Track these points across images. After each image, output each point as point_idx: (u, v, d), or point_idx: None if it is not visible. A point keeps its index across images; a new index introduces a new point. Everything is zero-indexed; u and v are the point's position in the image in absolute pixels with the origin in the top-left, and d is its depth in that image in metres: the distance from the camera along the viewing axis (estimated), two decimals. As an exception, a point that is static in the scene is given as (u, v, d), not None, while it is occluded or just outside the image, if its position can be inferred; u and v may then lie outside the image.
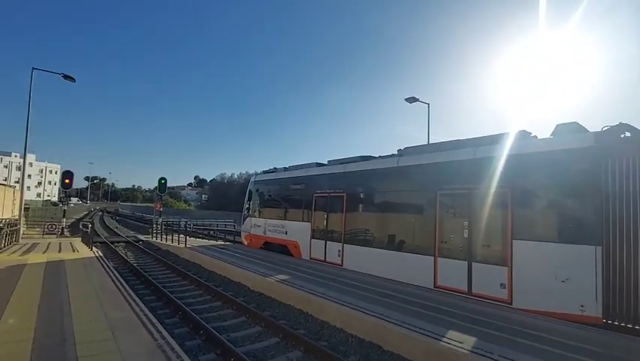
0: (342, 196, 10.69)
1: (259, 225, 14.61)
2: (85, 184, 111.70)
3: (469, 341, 4.76)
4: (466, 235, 7.46)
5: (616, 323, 5.53)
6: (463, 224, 7.57)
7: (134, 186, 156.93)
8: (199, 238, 20.32)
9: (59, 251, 11.94)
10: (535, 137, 7.34)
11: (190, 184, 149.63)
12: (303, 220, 12.20)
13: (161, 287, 8.71)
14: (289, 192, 13.39)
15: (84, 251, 12.17)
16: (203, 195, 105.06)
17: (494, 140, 7.72)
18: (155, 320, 5.26)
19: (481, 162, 7.44)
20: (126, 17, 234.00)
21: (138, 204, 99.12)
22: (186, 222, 18.00)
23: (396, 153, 10.10)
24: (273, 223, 13.80)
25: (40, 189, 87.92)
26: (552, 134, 6.97)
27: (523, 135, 7.41)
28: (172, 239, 16.68)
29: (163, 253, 15.18)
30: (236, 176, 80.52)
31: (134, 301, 6.26)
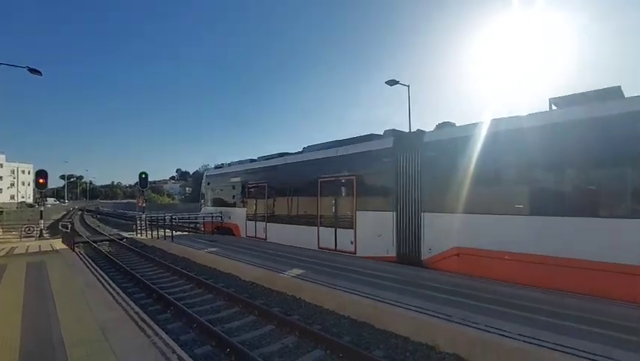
0: (265, 185, 14.19)
1: (211, 212, 17.64)
2: (61, 183, 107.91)
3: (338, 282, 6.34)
4: (333, 210, 10.87)
5: (403, 260, 8.93)
6: (332, 202, 10.94)
7: (113, 182, 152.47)
8: (185, 232, 20.05)
9: (40, 253, 11.55)
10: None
11: (173, 177, 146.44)
12: (241, 206, 15.71)
13: (150, 284, 8.56)
14: (230, 184, 16.78)
15: (66, 252, 11.82)
16: (187, 188, 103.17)
17: (356, 140, 10.89)
18: (146, 317, 5.19)
19: (340, 158, 10.94)
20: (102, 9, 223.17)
21: (119, 201, 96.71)
22: (171, 216, 17.67)
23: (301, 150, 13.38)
24: (221, 210, 17.12)
25: (13, 191, 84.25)
26: (383, 135, 10.49)
27: (370, 137, 10.59)
28: (158, 235, 16.39)
29: (149, 249, 14.91)
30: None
31: (123, 299, 6.14)
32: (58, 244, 14.31)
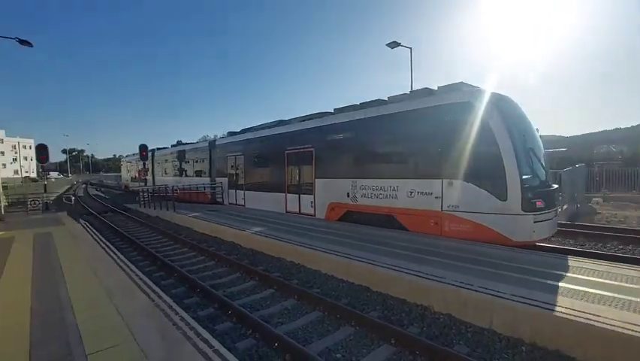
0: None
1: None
2: (63, 157, 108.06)
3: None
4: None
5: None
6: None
7: (115, 155, 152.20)
8: (187, 202, 20.31)
9: (46, 226, 11.80)
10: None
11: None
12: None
13: (154, 252, 8.82)
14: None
15: (71, 224, 12.08)
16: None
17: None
18: (150, 283, 5.38)
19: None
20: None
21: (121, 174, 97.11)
22: (173, 187, 17.84)
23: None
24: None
25: (16, 166, 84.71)
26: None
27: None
28: (160, 205, 16.64)
29: (153, 219, 15.20)
30: (219, 137, 78.94)
31: (128, 266, 6.34)
32: (63, 216, 14.57)
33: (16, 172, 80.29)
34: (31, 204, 17.97)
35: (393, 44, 15.52)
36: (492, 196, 7.22)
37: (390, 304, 5.32)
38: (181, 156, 23.07)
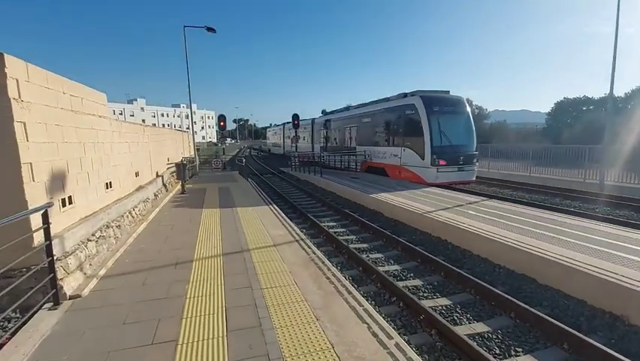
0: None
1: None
2: (234, 126, 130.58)
3: None
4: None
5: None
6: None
7: (270, 124, 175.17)
8: (332, 168, 21.76)
9: (225, 182, 14.62)
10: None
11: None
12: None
13: (305, 212, 9.84)
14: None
15: (242, 181, 14.58)
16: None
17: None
18: (305, 238, 6.03)
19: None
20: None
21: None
22: (320, 154, 19.39)
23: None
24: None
25: (203, 133, 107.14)
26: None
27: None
28: (309, 170, 18.34)
29: (302, 182, 16.93)
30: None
31: (287, 222, 7.26)
32: (236, 175, 17.72)
33: (203, 137, 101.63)
34: (214, 164, 22.51)
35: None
36: (418, 157, 12.85)
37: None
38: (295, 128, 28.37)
